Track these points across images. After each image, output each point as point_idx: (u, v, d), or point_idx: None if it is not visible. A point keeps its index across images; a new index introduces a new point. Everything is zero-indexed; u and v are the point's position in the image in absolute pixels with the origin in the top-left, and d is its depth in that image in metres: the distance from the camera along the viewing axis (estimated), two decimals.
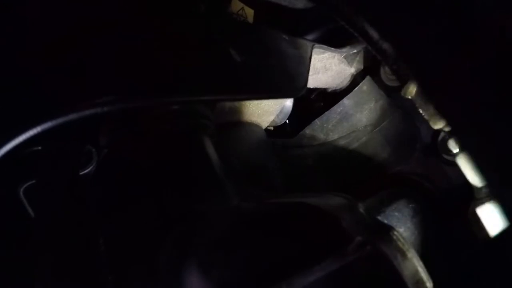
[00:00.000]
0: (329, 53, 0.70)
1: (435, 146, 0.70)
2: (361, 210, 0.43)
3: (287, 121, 0.79)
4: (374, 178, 0.71)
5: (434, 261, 0.44)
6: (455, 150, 0.47)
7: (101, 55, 0.39)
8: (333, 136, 0.74)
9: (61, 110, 0.35)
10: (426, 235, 0.62)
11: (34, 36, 0.38)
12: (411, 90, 0.47)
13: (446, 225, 0.66)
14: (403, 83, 0.47)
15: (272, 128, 0.80)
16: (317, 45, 0.61)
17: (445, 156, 0.69)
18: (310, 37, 0.65)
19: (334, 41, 0.68)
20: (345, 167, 0.72)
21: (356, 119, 0.74)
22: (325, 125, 0.74)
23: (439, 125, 0.47)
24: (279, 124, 0.75)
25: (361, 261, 0.38)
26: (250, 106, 0.67)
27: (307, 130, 0.74)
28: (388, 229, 0.42)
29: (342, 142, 0.73)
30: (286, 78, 0.49)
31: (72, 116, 0.36)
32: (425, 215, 0.64)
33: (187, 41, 0.44)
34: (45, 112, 0.35)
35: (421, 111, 0.48)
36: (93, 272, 0.50)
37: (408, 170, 0.70)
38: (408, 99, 0.52)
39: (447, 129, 0.47)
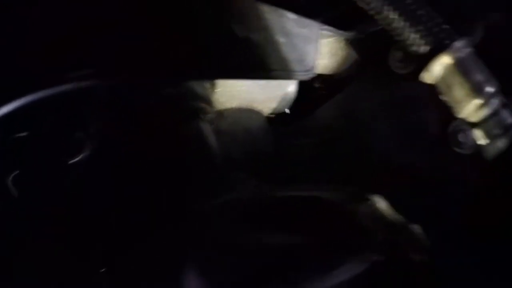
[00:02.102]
0: (335, 37, 0.66)
1: (445, 138, 0.66)
2: (380, 204, 0.40)
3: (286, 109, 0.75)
4: (379, 170, 0.68)
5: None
6: (481, 141, 0.43)
7: (82, 29, 0.34)
8: (337, 126, 0.71)
9: (31, 87, 0.30)
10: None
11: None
12: (434, 74, 0.43)
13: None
14: (423, 66, 0.44)
15: (272, 115, 0.76)
16: (324, 26, 0.57)
17: (455, 149, 0.66)
18: (317, 19, 0.61)
19: (341, 25, 0.64)
20: (350, 158, 0.68)
21: (361, 108, 0.71)
22: (329, 113, 0.70)
23: (463, 113, 0.44)
24: (281, 111, 0.72)
25: (384, 263, 0.34)
26: (252, 91, 0.63)
27: (310, 119, 0.71)
28: (408, 226, 0.38)
29: (346, 132, 0.70)
30: (293, 58, 0.46)
31: (44, 93, 0.31)
32: None
33: (182, 13, 0.40)
34: (12, 90, 0.30)
35: (443, 98, 0.45)
36: (86, 268, 0.47)
37: (415, 162, 0.67)
38: (418, 86, 0.49)
39: (472, 119, 0.43)
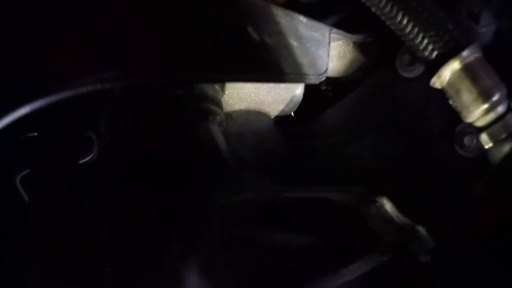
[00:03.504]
0: (344, 40, 0.67)
1: (452, 141, 0.67)
2: (387, 206, 0.40)
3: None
4: (387, 173, 0.68)
5: None
6: (488, 145, 0.44)
7: (103, 28, 0.34)
8: (344, 128, 0.71)
9: (55, 87, 0.31)
10: None
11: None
12: (443, 79, 0.44)
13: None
14: (433, 72, 0.44)
15: (277, 118, 0.77)
16: (334, 30, 0.58)
17: (461, 152, 0.67)
18: (326, 22, 0.61)
19: (349, 28, 0.65)
20: (358, 160, 0.68)
21: (369, 111, 0.71)
22: (337, 116, 0.71)
23: (470, 118, 0.44)
24: (288, 113, 0.72)
25: (391, 263, 0.35)
26: (260, 94, 0.64)
27: (319, 121, 0.71)
28: (415, 228, 0.39)
29: (354, 135, 0.70)
30: (307, 61, 0.46)
31: (67, 93, 0.31)
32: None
33: (200, 16, 0.40)
34: (36, 89, 0.31)
35: (451, 103, 0.45)
36: (93, 265, 0.47)
37: (423, 164, 0.67)
38: (427, 90, 0.49)
39: (479, 123, 0.44)
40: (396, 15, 0.44)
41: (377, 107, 0.71)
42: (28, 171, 0.51)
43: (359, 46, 0.69)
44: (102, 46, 0.33)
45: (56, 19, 0.33)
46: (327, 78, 0.76)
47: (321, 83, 0.78)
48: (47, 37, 0.32)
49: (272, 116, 0.70)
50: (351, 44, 0.68)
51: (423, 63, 0.64)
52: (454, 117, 0.66)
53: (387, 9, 0.43)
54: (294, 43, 0.46)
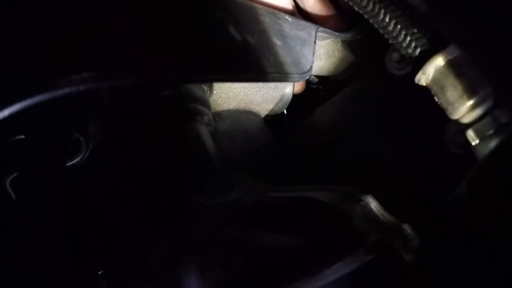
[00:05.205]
0: (332, 39, 0.66)
1: (442, 138, 0.67)
2: (372, 205, 0.40)
3: (284, 110, 0.75)
4: (376, 171, 0.68)
5: None
6: (474, 141, 0.43)
7: (80, 29, 0.34)
8: (335, 127, 0.71)
9: (31, 90, 0.31)
10: None
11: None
12: (427, 76, 0.43)
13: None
14: (417, 69, 0.44)
15: (268, 117, 0.76)
16: (320, 28, 0.57)
17: (452, 149, 0.66)
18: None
19: (337, 27, 0.64)
20: (348, 159, 0.68)
21: (359, 109, 0.71)
22: (327, 115, 0.70)
23: (456, 115, 0.44)
24: (278, 112, 0.72)
25: (374, 263, 0.34)
26: (249, 93, 0.63)
27: (308, 120, 0.71)
28: (400, 226, 0.39)
29: (344, 134, 0.70)
30: (289, 60, 0.46)
31: (44, 96, 0.31)
32: None
33: (181, 16, 0.40)
34: (13, 92, 0.31)
35: (437, 100, 0.45)
36: (84, 267, 0.47)
37: (413, 163, 0.67)
38: (417, 87, 0.49)
39: (465, 120, 0.44)
40: (378, 13, 0.44)
41: (367, 105, 0.71)
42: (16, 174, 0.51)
43: (348, 45, 0.69)
44: (80, 47, 0.33)
45: (33, 22, 0.33)
46: (318, 77, 0.76)
47: (311, 82, 0.78)
48: (22, 39, 0.32)
49: (262, 115, 0.70)
50: (340, 43, 0.68)
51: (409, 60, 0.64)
52: (445, 114, 0.66)
53: (369, 7, 0.43)
54: (277, 42, 0.45)
